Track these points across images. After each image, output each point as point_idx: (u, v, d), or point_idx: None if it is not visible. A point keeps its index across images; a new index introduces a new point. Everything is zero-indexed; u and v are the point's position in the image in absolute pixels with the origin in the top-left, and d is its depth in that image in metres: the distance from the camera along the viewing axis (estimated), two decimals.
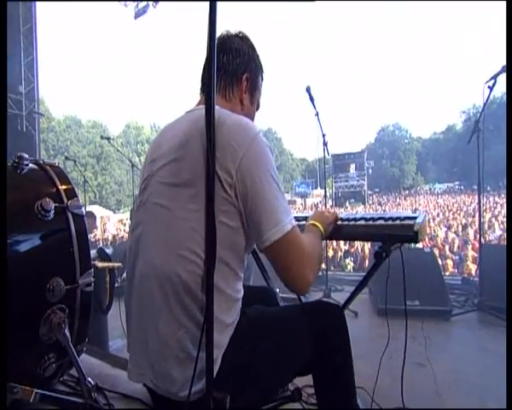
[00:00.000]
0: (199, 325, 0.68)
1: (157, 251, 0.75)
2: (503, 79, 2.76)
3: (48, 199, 0.92)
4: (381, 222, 1.16)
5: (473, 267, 5.49)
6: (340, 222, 1.29)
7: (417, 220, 1.05)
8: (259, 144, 0.74)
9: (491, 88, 2.84)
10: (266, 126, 47.12)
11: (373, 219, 1.22)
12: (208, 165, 0.66)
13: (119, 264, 2.19)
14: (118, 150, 5.65)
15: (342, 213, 1.48)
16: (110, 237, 12.92)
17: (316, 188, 37.79)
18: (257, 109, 0.99)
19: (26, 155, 0.99)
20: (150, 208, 0.79)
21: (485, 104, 2.90)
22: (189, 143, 0.75)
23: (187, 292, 0.71)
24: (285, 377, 0.90)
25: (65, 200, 0.98)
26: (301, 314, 0.90)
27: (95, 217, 6.52)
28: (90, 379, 0.93)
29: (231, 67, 0.87)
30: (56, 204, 0.94)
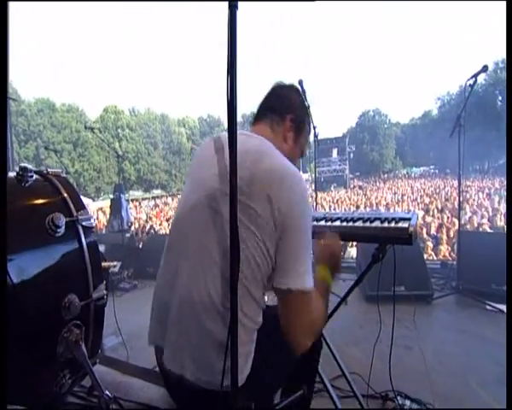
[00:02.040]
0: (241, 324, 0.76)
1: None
2: (479, 76, 2.98)
3: (58, 214, 0.90)
4: (378, 224, 1.23)
5: (445, 250, 5.83)
6: (338, 223, 1.35)
7: (411, 222, 1.11)
8: (305, 203, 0.82)
9: (471, 86, 3.00)
10: (250, 111, 46.36)
11: (369, 219, 1.29)
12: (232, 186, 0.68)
13: (114, 263, 2.16)
14: (102, 140, 5.39)
15: (338, 212, 1.53)
16: None
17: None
18: (301, 156, 1.11)
19: (30, 166, 0.95)
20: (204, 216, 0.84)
21: (466, 100, 3.04)
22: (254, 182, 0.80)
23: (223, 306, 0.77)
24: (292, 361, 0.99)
25: (74, 212, 0.96)
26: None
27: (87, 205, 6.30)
28: (107, 392, 0.94)
29: (279, 107, 1.02)
30: (67, 219, 0.92)
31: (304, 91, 3.19)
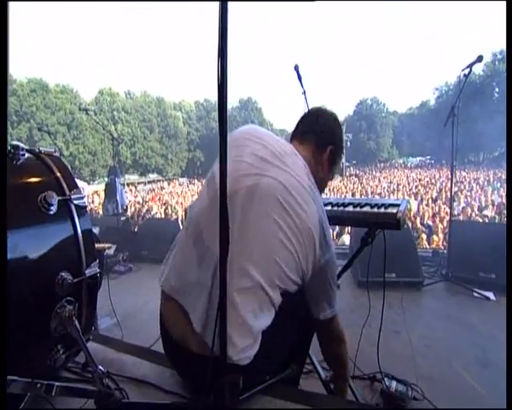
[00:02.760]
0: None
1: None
2: (476, 67, 2.98)
3: (50, 192, 0.89)
4: (368, 209, 1.27)
5: (439, 239, 5.93)
6: (329, 207, 1.38)
7: (400, 208, 1.16)
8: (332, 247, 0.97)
9: (466, 76, 3.00)
10: (246, 96, 45.68)
11: (360, 205, 1.32)
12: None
13: (109, 245, 2.17)
14: (97, 123, 5.29)
15: (329, 198, 1.56)
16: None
17: None
18: (330, 179, 1.17)
19: (22, 145, 0.94)
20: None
21: (461, 91, 3.04)
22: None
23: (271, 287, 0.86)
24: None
25: (67, 191, 0.96)
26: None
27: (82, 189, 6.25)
28: (101, 367, 0.97)
29: (324, 133, 1.08)
30: (59, 197, 0.92)
31: (300, 77, 3.17)
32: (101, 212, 8.57)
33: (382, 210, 1.19)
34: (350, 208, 1.32)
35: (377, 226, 1.23)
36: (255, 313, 0.84)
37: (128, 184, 27.22)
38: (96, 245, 2.05)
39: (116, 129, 34.26)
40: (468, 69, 3.00)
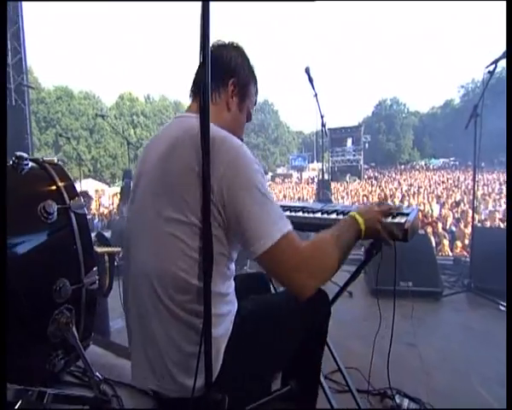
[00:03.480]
0: (188, 324, 0.74)
1: (146, 258, 0.78)
2: (502, 63, 2.76)
3: (50, 201, 0.91)
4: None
5: (463, 245, 5.64)
6: (335, 215, 1.31)
7: (409, 218, 1.05)
8: (243, 158, 0.74)
9: (491, 73, 2.81)
10: (263, 98, 45.84)
11: None
12: (204, 174, 0.67)
13: (119, 249, 2.21)
14: (113, 128, 5.42)
15: (336, 204, 1.50)
16: (106, 212, 12.85)
17: (312, 162, 37.57)
18: (248, 120, 1.01)
19: (25, 155, 0.97)
20: (139, 212, 0.84)
21: (484, 89, 2.86)
22: (177, 149, 0.77)
23: (176, 291, 0.74)
24: (280, 363, 0.98)
25: (67, 200, 0.97)
26: (293, 303, 0.91)
27: (91, 197, 6.49)
28: (98, 374, 0.97)
29: (219, 73, 0.88)
30: (59, 205, 0.93)
31: (311, 79, 3.12)
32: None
33: (389, 219, 1.10)
34: None
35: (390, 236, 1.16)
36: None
37: None
38: (106, 249, 2.12)
39: (135, 133, 35.37)
40: (494, 66, 2.80)
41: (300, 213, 1.29)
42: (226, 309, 0.80)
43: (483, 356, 2.02)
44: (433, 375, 1.81)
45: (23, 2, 6.19)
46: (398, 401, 1.52)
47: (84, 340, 1.02)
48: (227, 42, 0.95)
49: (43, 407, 0.76)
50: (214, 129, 0.73)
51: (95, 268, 1.02)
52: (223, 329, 0.78)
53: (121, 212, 6.70)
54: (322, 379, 1.31)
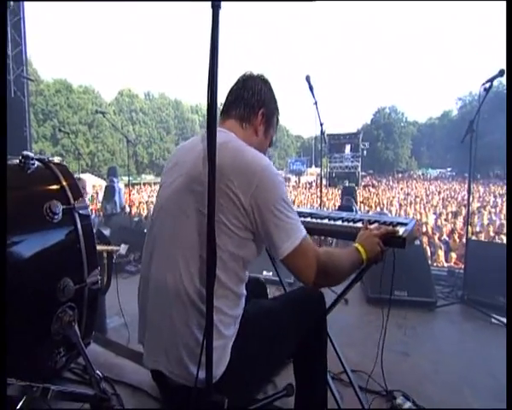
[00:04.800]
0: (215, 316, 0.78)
1: (176, 247, 0.84)
2: (498, 79, 2.84)
3: (55, 201, 0.92)
4: (376, 226, 1.25)
5: (456, 257, 5.70)
6: (339, 222, 1.37)
7: (407, 227, 1.17)
8: (270, 175, 0.85)
9: (487, 90, 2.88)
10: None
11: (370, 221, 1.32)
12: (209, 181, 0.70)
13: (118, 248, 2.21)
14: (113, 125, 5.43)
15: (341, 212, 1.56)
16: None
17: (310, 166, 37.72)
18: (270, 145, 1.13)
19: (32, 154, 0.97)
20: (166, 218, 0.89)
21: (480, 106, 2.93)
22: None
23: (202, 284, 0.80)
24: (281, 360, 1.08)
25: (71, 200, 0.98)
26: (291, 307, 1.06)
27: (84, 182, 6.53)
28: (98, 372, 0.98)
29: (251, 102, 1.01)
30: (64, 206, 0.94)
31: (311, 87, 3.15)
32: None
33: (390, 228, 1.18)
34: (359, 224, 1.31)
35: (383, 244, 1.22)
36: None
37: (144, 184, 27.84)
38: (105, 248, 2.12)
39: (134, 129, 35.24)
40: (489, 83, 2.89)
41: (309, 219, 1.37)
42: (238, 312, 0.87)
43: (475, 369, 2.04)
44: (425, 385, 1.83)
45: None
46: (399, 401, 1.55)
47: (84, 338, 1.02)
48: (256, 74, 1.07)
49: (46, 405, 0.76)
50: (243, 145, 0.89)
51: (97, 268, 1.03)
52: (232, 329, 0.85)
53: (105, 209, 6.70)
54: (330, 381, 1.35)
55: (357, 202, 8.11)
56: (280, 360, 1.03)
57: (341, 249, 1.00)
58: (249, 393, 0.94)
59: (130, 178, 6.36)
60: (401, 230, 1.12)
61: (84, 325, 1.01)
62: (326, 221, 1.34)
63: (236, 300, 0.86)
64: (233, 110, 1.01)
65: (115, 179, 6.92)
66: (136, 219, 5.56)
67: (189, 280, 0.81)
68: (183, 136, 40.84)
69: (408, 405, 1.55)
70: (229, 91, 1.05)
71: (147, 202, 14.71)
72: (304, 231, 0.87)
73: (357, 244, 1.03)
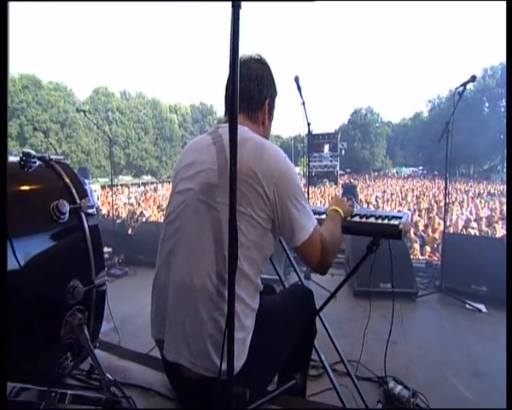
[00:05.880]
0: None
1: (204, 238, 0.86)
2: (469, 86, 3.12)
3: (62, 201, 0.90)
4: (373, 220, 1.35)
5: (431, 250, 6.02)
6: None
7: (402, 220, 1.26)
8: (289, 167, 0.91)
9: (460, 94, 3.10)
10: None
11: (366, 216, 1.41)
12: (231, 174, 0.72)
13: (109, 249, 2.15)
14: (95, 124, 5.24)
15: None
16: None
17: None
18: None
19: (33, 152, 0.94)
20: (189, 214, 0.90)
21: (454, 108, 3.13)
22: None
23: (223, 284, 0.82)
24: (289, 353, 1.09)
25: (77, 200, 0.97)
26: (291, 302, 1.14)
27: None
28: (108, 375, 0.97)
29: (257, 95, 1.01)
30: (71, 205, 0.92)
31: (299, 88, 3.23)
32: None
33: (386, 221, 1.28)
34: (356, 219, 1.38)
35: (382, 236, 1.33)
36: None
37: (121, 185, 26.96)
38: None
39: (111, 129, 33.94)
40: (462, 87, 3.11)
41: None
42: (256, 304, 0.90)
43: (454, 351, 2.19)
44: (411, 369, 1.95)
45: None
46: (391, 385, 1.64)
47: (92, 341, 1.01)
48: (254, 56, 1.03)
49: (54, 407, 0.75)
50: (265, 141, 0.92)
51: (104, 270, 1.02)
52: (251, 322, 0.88)
53: None
54: (329, 370, 1.43)
55: (357, 201, 8.27)
56: (288, 352, 1.06)
57: (329, 221, 1.10)
58: (265, 385, 0.97)
59: (107, 180, 6.15)
60: (398, 222, 1.20)
61: (91, 328, 1.00)
62: (324, 217, 1.39)
63: (255, 292, 0.90)
64: (239, 105, 0.99)
65: (86, 181, 6.68)
66: (118, 221, 5.40)
67: (216, 273, 0.82)
68: (161, 135, 39.94)
69: (399, 388, 1.65)
70: (228, 78, 0.96)
71: (125, 204, 14.30)
72: (314, 219, 0.94)
73: (333, 207, 1.17)
